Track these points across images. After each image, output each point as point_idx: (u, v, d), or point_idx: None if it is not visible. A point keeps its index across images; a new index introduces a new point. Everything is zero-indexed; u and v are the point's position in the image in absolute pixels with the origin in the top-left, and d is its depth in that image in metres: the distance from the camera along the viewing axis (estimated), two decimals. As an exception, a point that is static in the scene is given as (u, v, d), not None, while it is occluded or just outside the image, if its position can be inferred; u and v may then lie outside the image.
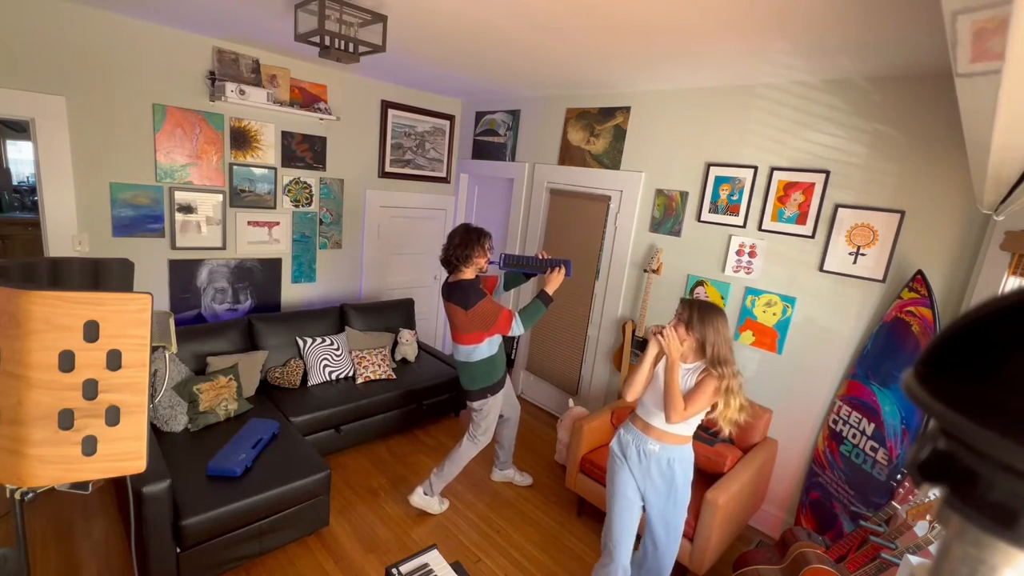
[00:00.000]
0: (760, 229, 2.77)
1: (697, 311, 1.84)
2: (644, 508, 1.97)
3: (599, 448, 2.82)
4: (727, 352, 1.82)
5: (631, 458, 1.93)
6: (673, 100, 3.11)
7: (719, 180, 2.91)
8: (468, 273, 2.54)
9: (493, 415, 2.69)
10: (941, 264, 2.24)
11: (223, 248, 3.42)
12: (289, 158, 3.60)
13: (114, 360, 1.04)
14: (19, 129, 5.51)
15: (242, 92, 3.11)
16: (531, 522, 2.79)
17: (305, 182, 3.72)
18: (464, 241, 2.49)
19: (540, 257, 2.56)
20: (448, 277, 2.61)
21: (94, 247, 2.92)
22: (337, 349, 3.44)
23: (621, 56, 2.53)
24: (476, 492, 2.99)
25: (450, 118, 4.54)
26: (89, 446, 1.04)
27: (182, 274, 3.28)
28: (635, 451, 1.92)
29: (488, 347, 2.57)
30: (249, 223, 3.50)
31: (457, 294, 2.48)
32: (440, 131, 4.51)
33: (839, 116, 2.46)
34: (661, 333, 1.84)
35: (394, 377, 3.52)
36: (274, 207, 3.59)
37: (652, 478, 1.90)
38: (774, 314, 2.75)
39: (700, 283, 3.05)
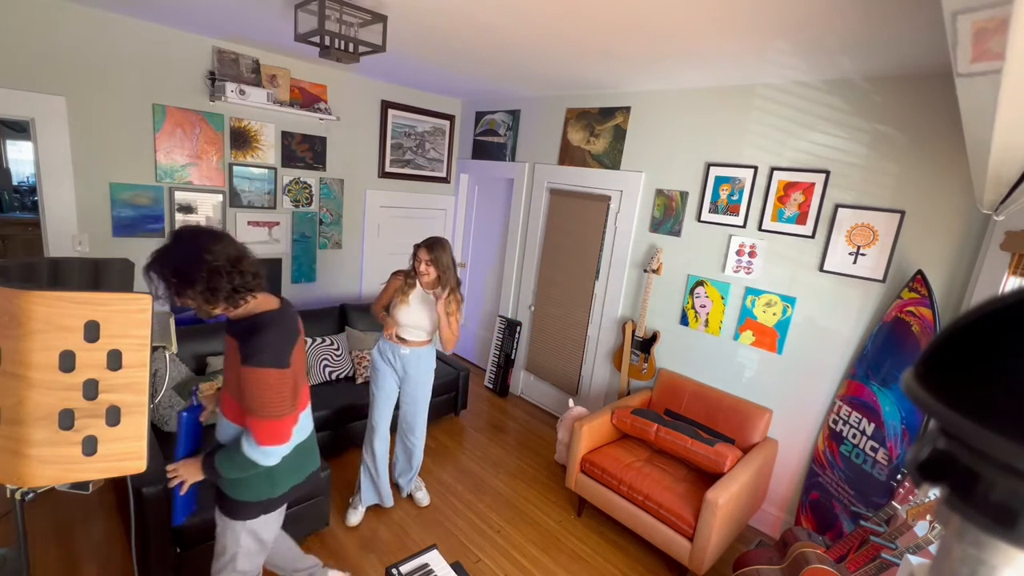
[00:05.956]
0: (760, 229, 2.77)
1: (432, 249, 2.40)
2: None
3: (599, 448, 2.82)
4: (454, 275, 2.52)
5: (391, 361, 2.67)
6: (673, 100, 3.11)
7: (719, 180, 2.91)
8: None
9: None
10: (941, 264, 2.24)
11: (223, 248, 3.41)
12: (289, 158, 3.60)
13: (114, 360, 1.04)
14: (19, 129, 5.51)
15: (242, 92, 3.11)
16: (531, 522, 2.79)
17: (305, 182, 3.72)
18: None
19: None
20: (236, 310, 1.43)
21: (94, 247, 2.92)
22: (337, 349, 3.44)
23: (621, 56, 2.53)
24: (476, 492, 2.99)
25: (450, 118, 4.53)
26: (89, 446, 1.04)
27: (182, 274, 3.27)
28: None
29: None
30: (249, 223, 3.50)
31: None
32: (440, 131, 4.51)
33: (839, 116, 2.46)
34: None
35: (394, 377, 3.52)
36: (274, 207, 3.59)
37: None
38: (774, 314, 2.75)
39: (700, 283, 3.05)
